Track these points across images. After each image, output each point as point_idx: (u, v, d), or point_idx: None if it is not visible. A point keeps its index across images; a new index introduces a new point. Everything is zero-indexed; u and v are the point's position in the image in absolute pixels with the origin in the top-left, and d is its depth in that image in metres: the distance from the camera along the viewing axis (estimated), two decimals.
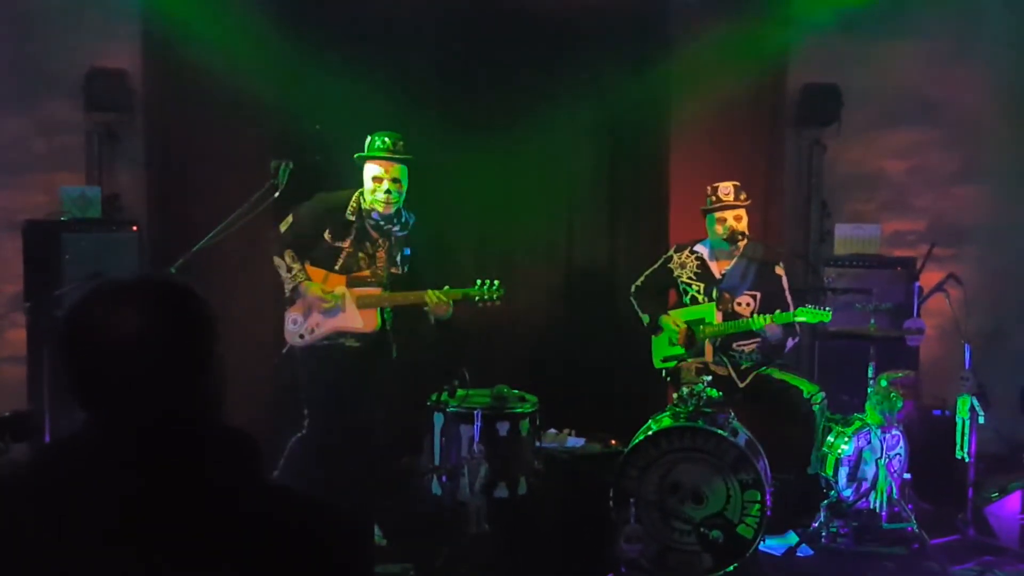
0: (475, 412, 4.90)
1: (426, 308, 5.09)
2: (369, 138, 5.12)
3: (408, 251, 5.23)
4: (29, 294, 5.81)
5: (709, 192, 5.55)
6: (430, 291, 5.07)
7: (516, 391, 5.24)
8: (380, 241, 5.14)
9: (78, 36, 6.34)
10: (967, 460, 5.29)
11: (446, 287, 5.10)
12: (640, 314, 5.71)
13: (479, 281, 5.11)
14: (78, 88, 6.29)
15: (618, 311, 6.28)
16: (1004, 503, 5.25)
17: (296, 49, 6.19)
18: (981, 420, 5.27)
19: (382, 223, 5.12)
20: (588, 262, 6.73)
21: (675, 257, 5.70)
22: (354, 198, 5.13)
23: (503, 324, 6.49)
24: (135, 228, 6.08)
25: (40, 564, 1.43)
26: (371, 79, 6.16)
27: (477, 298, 5.09)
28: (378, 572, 4.45)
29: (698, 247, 5.67)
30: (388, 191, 5.03)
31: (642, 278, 5.77)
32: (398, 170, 5.06)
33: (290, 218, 5.12)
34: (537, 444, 5.16)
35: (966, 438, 5.27)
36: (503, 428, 5.01)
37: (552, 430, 5.82)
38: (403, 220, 5.19)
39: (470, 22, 6.45)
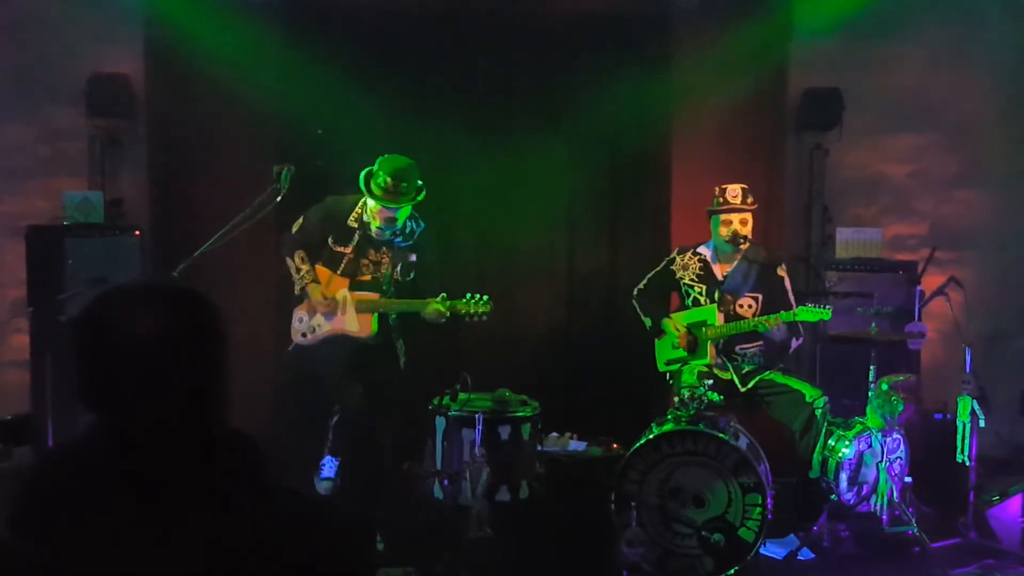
0: (477, 416, 4.90)
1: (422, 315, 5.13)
2: (385, 177, 4.97)
3: (414, 258, 5.23)
4: (32, 299, 5.83)
5: (717, 193, 5.55)
6: (432, 302, 5.08)
7: (518, 395, 5.25)
8: (383, 249, 5.16)
9: (80, 42, 6.36)
10: (968, 463, 5.29)
11: (442, 295, 5.11)
12: (642, 317, 5.71)
13: (468, 295, 5.13)
14: (81, 94, 6.30)
15: (620, 315, 6.28)
16: (1005, 506, 5.24)
17: (298, 54, 6.21)
18: (982, 423, 5.27)
19: (385, 234, 5.13)
20: (590, 267, 6.73)
21: (678, 259, 5.71)
22: (359, 205, 5.14)
23: (505, 328, 6.49)
24: (138, 233, 6.11)
25: (46, 564, 1.45)
26: (372, 86, 6.18)
27: (464, 312, 5.11)
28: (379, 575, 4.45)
29: (701, 249, 5.67)
30: (396, 228, 5.08)
31: (644, 281, 5.77)
32: (409, 208, 5.09)
33: (301, 220, 5.17)
34: (539, 448, 5.17)
35: (967, 441, 5.27)
36: (505, 432, 5.02)
37: (554, 434, 5.82)
38: (407, 231, 5.19)
39: (472, 31, 6.46)
